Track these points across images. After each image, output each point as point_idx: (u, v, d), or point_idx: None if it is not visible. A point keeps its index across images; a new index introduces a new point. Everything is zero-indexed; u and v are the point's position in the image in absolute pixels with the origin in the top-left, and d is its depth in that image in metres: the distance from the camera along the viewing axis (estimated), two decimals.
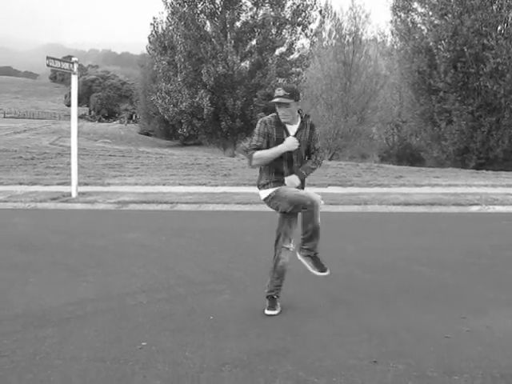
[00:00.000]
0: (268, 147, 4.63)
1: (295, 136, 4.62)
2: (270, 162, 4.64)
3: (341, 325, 4.57)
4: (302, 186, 4.78)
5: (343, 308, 5.01)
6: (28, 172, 16.99)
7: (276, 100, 4.53)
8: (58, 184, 14.09)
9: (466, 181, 14.63)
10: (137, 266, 6.53)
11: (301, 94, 4.74)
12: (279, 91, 4.55)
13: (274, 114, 4.70)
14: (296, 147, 4.58)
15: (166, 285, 5.75)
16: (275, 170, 4.70)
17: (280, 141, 4.58)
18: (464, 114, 25.33)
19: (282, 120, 4.61)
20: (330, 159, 34.49)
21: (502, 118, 25.23)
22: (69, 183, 12.84)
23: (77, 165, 12.55)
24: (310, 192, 4.71)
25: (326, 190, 12.23)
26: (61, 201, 11.83)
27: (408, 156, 36.54)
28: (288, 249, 4.85)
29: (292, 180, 4.64)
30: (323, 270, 4.83)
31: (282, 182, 4.68)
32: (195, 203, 11.38)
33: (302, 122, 4.69)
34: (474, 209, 10.73)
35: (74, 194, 12.22)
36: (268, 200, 4.77)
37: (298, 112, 4.70)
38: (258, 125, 4.70)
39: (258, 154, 4.62)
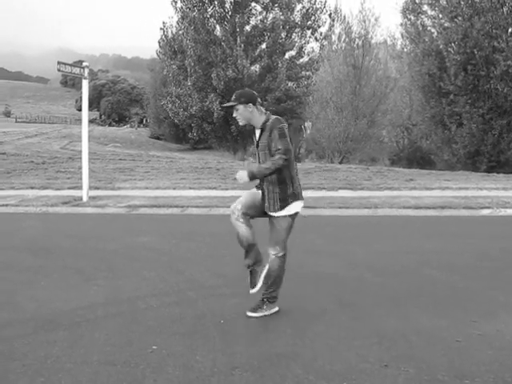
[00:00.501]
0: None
1: (259, 140, 4.70)
2: None
3: (350, 328, 4.56)
4: (261, 188, 4.83)
5: (353, 311, 5.00)
6: (39, 176, 17.08)
7: (223, 105, 4.79)
8: (69, 188, 14.15)
9: (476, 184, 14.57)
10: (147, 269, 6.55)
11: (254, 97, 4.66)
12: (232, 96, 4.69)
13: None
14: (241, 182, 4.62)
15: (176, 288, 5.76)
16: None
17: (254, 144, 4.83)
18: (474, 116, 25.23)
19: (240, 123, 4.76)
20: (340, 162, 34.43)
21: None
22: (80, 187, 12.90)
23: (88, 169, 12.60)
24: (239, 199, 4.87)
25: (336, 194, 12.22)
26: (72, 205, 11.88)
27: (418, 159, 36.41)
28: (270, 254, 4.88)
29: (239, 175, 4.60)
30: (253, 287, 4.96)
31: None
32: (205, 207, 11.40)
33: (262, 123, 4.65)
34: (485, 212, 10.67)
35: (84, 198, 12.27)
36: None
37: (266, 114, 4.73)
38: (282, 126, 4.75)
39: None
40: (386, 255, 7.26)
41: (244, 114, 4.64)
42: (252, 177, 4.50)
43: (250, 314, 4.85)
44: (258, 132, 4.72)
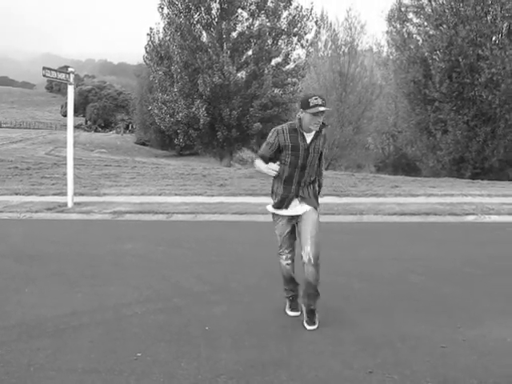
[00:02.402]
0: (280, 154, 4.76)
1: (311, 143, 4.68)
2: (284, 168, 4.75)
3: (336, 335, 4.57)
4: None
5: (338, 318, 5.01)
6: (24, 182, 16.97)
7: (322, 109, 4.51)
8: (54, 194, 14.07)
9: (461, 190, 14.66)
10: (132, 276, 6.52)
11: None
12: (317, 100, 4.53)
13: (290, 122, 4.79)
14: (272, 174, 4.71)
15: (161, 295, 5.74)
16: (285, 180, 4.78)
17: (295, 147, 4.66)
18: (459, 123, 25.44)
19: (312, 127, 4.62)
20: (326, 169, 34.54)
21: (498, 128, 25.35)
22: (65, 193, 12.83)
23: (73, 175, 12.54)
24: (285, 243, 4.91)
25: (321, 200, 12.18)
26: (56, 211, 11.81)
27: (404, 166, 36.65)
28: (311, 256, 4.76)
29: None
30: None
31: (287, 197, 4.78)
32: (191, 213, 11.38)
33: (319, 129, 4.70)
34: (470, 218, 10.75)
35: (69, 204, 12.20)
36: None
37: None
38: (270, 133, 4.81)
39: (256, 162, 4.89)
40: (371, 262, 7.28)
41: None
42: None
43: (311, 327, 4.73)
44: (309, 135, 4.69)
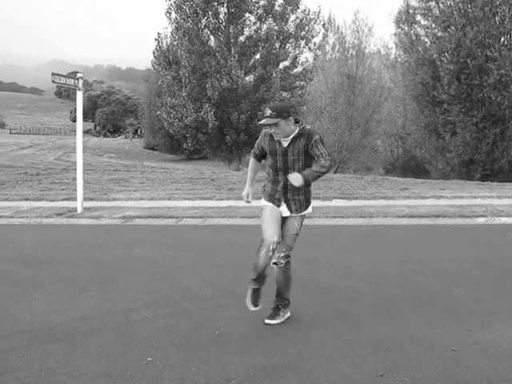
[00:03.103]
0: (264, 156, 4.96)
1: (288, 146, 4.69)
2: (268, 169, 4.90)
3: (346, 338, 4.56)
4: (304, 197, 4.85)
5: (348, 321, 5.00)
6: (33, 187, 17.04)
7: (262, 122, 4.60)
8: (64, 199, 14.12)
9: (471, 192, 14.60)
10: (142, 281, 6.53)
11: (292, 109, 4.74)
12: (266, 111, 4.62)
13: None
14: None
15: (171, 300, 5.74)
16: (272, 180, 4.89)
17: (273, 152, 4.78)
18: (468, 125, 25.35)
19: (276, 138, 4.72)
20: (335, 172, 34.48)
21: (507, 129, 25.25)
22: (74, 198, 12.87)
23: (82, 180, 12.58)
24: (270, 229, 4.74)
25: (331, 203, 12.23)
26: (66, 216, 11.86)
27: (413, 168, 36.53)
28: (280, 258, 4.95)
29: (294, 177, 4.55)
30: (255, 305, 4.90)
31: (274, 196, 4.85)
32: (200, 217, 11.39)
33: (298, 131, 4.69)
34: (480, 220, 10.70)
35: (79, 210, 12.24)
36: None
37: (299, 123, 4.74)
38: (260, 135, 4.99)
39: (249, 163, 5.23)
40: (380, 264, 7.26)
41: (284, 128, 4.62)
42: (306, 180, 4.55)
43: (268, 321, 4.92)
44: (285, 140, 4.71)
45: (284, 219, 4.86)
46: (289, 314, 5.04)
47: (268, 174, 4.94)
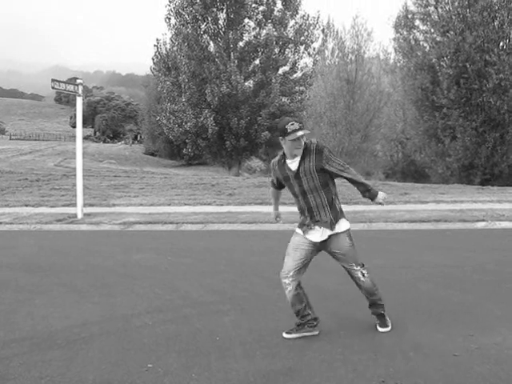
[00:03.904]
0: (281, 184, 4.87)
1: (298, 168, 4.52)
2: (294, 200, 4.74)
3: (347, 344, 4.54)
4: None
5: (349, 327, 4.98)
6: (33, 194, 17.04)
7: (300, 133, 4.40)
8: (64, 205, 14.13)
9: (471, 197, 14.59)
10: (142, 286, 6.52)
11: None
12: (293, 125, 4.42)
13: (279, 153, 4.72)
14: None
15: (171, 306, 5.73)
16: (299, 208, 4.72)
17: (286, 178, 4.65)
18: (468, 129, 25.38)
19: (295, 153, 4.51)
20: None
21: (506, 134, 25.28)
22: (74, 204, 12.87)
23: (82, 186, 12.59)
24: (288, 263, 4.69)
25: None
26: (66, 222, 11.86)
27: (413, 173, 36.53)
28: (357, 278, 4.95)
29: (383, 196, 4.69)
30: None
31: (305, 223, 4.68)
32: (200, 223, 11.38)
33: (304, 149, 4.53)
34: (480, 225, 10.68)
35: (79, 216, 12.24)
36: None
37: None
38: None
39: (270, 192, 5.25)
40: (381, 270, 7.24)
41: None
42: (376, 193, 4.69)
43: (381, 329, 4.89)
44: (293, 161, 4.57)
45: (326, 243, 4.70)
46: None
47: (298, 209, 4.77)
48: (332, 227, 4.62)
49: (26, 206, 14.34)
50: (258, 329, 4.92)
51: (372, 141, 42.23)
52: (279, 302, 4.98)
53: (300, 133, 4.40)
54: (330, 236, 4.64)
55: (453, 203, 13.30)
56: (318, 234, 4.63)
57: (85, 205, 12.77)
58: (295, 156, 4.53)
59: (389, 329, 4.83)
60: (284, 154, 4.64)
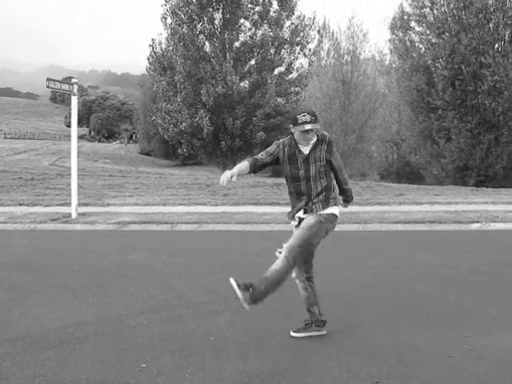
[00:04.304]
0: (269, 164, 4.75)
1: (310, 153, 4.55)
2: (288, 184, 4.74)
3: (341, 344, 4.54)
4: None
5: (344, 327, 4.98)
6: (28, 193, 16.99)
7: (308, 127, 4.42)
8: (58, 205, 14.08)
9: (465, 198, 14.63)
10: (137, 286, 6.50)
11: None
12: (305, 117, 4.44)
13: (289, 136, 4.69)
14: (223, 182, 4.52)
15: (166, 306, 5.72)
16: (296, 192, 4.69)
17: (293, 161, 4.60)
18: (463, 131, 25.46)
19: (305, 144, 4.56)
20: None
21: (501, 135, 25.37)
22: (69, 204, 12.84)
23: (77, 185, 12.56)
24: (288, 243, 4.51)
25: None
26: (61, 222, 11.82)
27: (408, 174, 36.57)
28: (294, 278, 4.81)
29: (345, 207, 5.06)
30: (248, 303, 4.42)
31: (300, 208, 4.66)
32: (195, 223, 11.37)
33: (317, 138, 4.61)
34: (475, 226, 10.71)
35: (73, 215, 12.21)
36: None
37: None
38: (272, 145, 4.79)
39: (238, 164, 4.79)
40: (376, 271, 7.25)
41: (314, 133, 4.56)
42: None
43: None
44: (306, 147, 4.58)
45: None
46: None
47: (289, 190, 4.76)
48: (318, 209, 4.64)
49: (21, 205, 14.29)
50: (252, 329, 4.91)
51: (367, 142, 42.25)
52: (274, 303, 4.96)
53: (308, 126, 4.43)
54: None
55: (447, 204, 13.33)
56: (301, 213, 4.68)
57: (79, 204, 12.73)
58: (307, 143, 4.57)
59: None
60: (291, 138, 4.66)
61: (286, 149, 4.66)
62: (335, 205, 4.74)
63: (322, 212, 4.63)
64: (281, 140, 4.79)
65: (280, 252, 4.50)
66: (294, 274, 4.73)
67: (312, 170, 4.58)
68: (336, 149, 4.72)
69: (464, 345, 4.48)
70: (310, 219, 4.59)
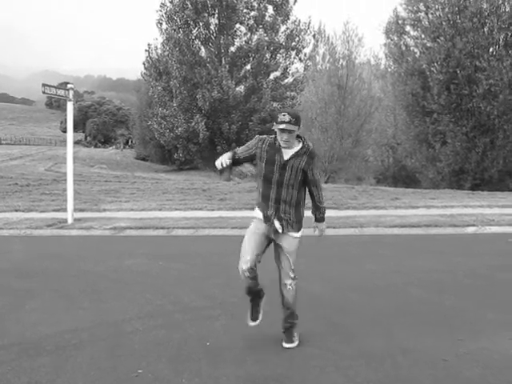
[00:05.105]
0: (249, 159, 4.69)
1: (289, 160, 4.48)
2: (259, 182, 4.66)
3: (338, 349, 4.55)
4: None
5: (340, 332, 4.99)
6: (24, 199, 16.95)
7: (282, 126, 4.35)
8: (54, 210, 14.05)
9: (461, 202, 14.66)
10: (133, 292, 6.50)
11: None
12: (284, 116, 4.37)
13: (274, 136, 4.57)
14: (217, 164, 4.57)
15: (162, 311, 5.72)
16: (262, 193, 4.63)
17: (270, 162, 4.51)
18: (458, 135, 25.53)
19: (283, 146, 4.48)
20: (326, 182, 34.53)
21: (496, 139, 25.42)
22: (65, 209, 12.81)
23: (72, 191, 12.53)
24: (245, 255, 4.59)
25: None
26: (57, 227, 11.80)
27: (404, 178, 36.64)
28: (285, 284, 4.69)
29: (323, 229, 4.98)
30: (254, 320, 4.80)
31: (266, 212, 4.60)
32: (192, 228, 11.36)
33: (301, 148, 4.54)
34: (470, 230, 10.73)
35: (69, 221, 12.19)
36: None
37: (300, 138, 4.59)
38: (254, 139, 4.70)
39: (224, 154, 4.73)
40: (372, 275, 7.26)
41: (294, 137, 4.48)
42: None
43: (288, 345, 4.68)
44: (288, 151, 4.50)
45: (275, 240, 4.65)
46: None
47: (258, 188, 4.70)
48: (289, 228, 4.60)
49: (16, 211, 14.26)
50: (248, 334, 4.91)
51: (363, 146, 42.33)
52: (270, 307, 4.97)
53: (283, 126, 4.35)
54: (283, 233, 4.61)
55: (443, 208, 13.35)
56: (277, 227, 4.58)
57: (75, 210, 12.71)
58: (286, 145, 4.48)
59: (295, 344, 4.67)
60: (274, 139, 4.57)
61: (267, 148, 4.55)
62: (302, 226, 4.72)
63: (293, 232, 4.64)
64: (265, 136, 4.69)
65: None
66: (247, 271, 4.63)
67: (286, 177, 4.50)
68: (317, 162, 4.64)
69: (459, 348, 4.50)
70: (290, 241, 4.63)
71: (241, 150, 4.68)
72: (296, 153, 4.51)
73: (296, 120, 4.40)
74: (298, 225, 4.64)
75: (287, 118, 4.36)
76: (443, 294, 6.20)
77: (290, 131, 4.38)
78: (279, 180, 4.51)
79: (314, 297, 6.15)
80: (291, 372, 4.11)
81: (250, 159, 4.68)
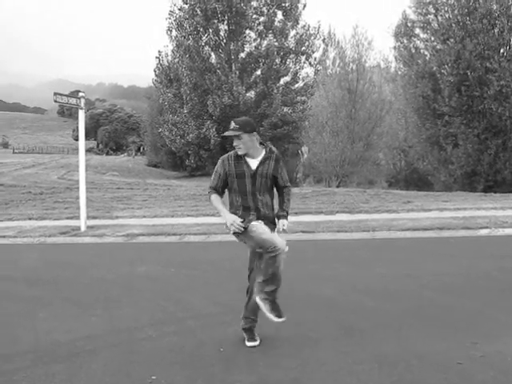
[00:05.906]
0: (226, 183, 4.79)
1: (257, 169, 4.66)
2: (233, 196, 4.79)
3: (351, 353, 4.53)
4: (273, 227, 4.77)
5: (353, 336, 4.97)
6: (37, 207, 17.06)
7: (225, 133, 4.65)
8: (67, 218, 14.14)
9: (474, 204, 14.57)
10: (146, 299, 6.52)
11: (254, 125, 4.73)
12: (231, 124, 4.64)
13: (234, 151, 4.77)
14: (232, 230, 4.67)
15: (174, 318, 5.73)
16: (242, 205, 4.73)
17: (240, 175, 4.66)
18: (470, 137, 25.37)
19: (238, 152, 4.67)
20: (338, 186, 34.48)
21: (509, 140, 25.25)
22: (77, 217, 12.88)
23: (85, 198, 12.61)
24: (276, 236, 4.60)
25: (334, 218, 12.20)
26: (70, 235, 11.86)
27: (416, 181, 36.47)
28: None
29: (286, 225, 4.80)
30: (279, 316, 4.61)
31: (248, 221, 4.65)
32: (204, 234, 11.38)
33: (265, 155, 4.73)
34: (484, 232, 10.66)
35: (82, 228, 12.25)
36: (236, 234, 4.77)
37: (263, 145, 4.77)
38: (218, 162, 4.84)
39: (212, 200, 4.91)
40: (384, 278, 7.23)
41: (247, 143, 4.62)
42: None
43: (249, 344, 4.82)
44: (253, 160, 4.69)
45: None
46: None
47: (233, 202, 4.81)
48: (271, 225, 4.74)
49: (30, 219, 14.35)
50: (261, 338, 4.90)
51: (374, 149, 42.15)
52: (284, 312, 4.95)
53: (225, 133, 4.66)
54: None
55: (456, 211, 13.28)
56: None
57: (88, 217, 12.78)
58: (254, 156, 4.68)
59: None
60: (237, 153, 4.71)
61: (233, 162, 4.72)
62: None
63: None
64: (226, 155, 4.83)
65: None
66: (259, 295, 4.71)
67: (257, 185, 4.67)
68: (282, 164, 4.82)
69: (473, 352, 4.47)
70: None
71: (215, 182, 4.85)
72: (261, 161, 4.71)
73: (240, 126, 4.62)
74: (273, 217, 4.84)
75: (232, 125, 4.64)
76: (456, 297, 6.17)
77: (236, 137, 4.60)
78: (252, 190, 4.69)
79: (327, 301, 6.14)
80: (304, 376, 4.10)
81: (227, 183, 4.81)
